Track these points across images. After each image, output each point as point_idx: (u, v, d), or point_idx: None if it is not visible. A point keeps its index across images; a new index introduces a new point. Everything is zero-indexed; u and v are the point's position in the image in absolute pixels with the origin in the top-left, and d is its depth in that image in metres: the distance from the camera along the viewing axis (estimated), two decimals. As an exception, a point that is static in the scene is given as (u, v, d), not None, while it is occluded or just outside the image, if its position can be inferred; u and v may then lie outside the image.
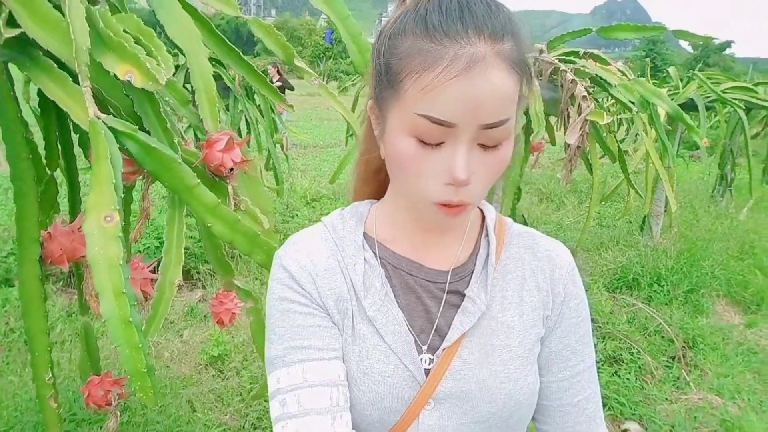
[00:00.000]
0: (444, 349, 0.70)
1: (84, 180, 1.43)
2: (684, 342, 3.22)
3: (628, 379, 2.87)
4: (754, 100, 4.15)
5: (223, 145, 1.06)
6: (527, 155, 2.58)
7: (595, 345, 1.45)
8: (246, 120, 3.54)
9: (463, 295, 0.72)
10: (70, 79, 0.91)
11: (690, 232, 4.78)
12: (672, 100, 2.88)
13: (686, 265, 4.02)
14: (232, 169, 1.07)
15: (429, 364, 0.70)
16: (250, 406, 2.56)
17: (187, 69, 1.11)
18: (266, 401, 0.69)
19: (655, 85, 3.39)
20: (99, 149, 0.84)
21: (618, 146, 3.07)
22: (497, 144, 0.61)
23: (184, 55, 1.10)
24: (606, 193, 4.98)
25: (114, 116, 0.94)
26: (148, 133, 1.00)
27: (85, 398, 1.17)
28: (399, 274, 0.73)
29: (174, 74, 0.99)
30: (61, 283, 3.63)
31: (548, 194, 6.86)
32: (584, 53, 2.52)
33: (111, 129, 0.88)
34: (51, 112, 1.22)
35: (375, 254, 0.73)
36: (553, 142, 3.02)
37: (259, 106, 3.55)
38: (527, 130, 2.38)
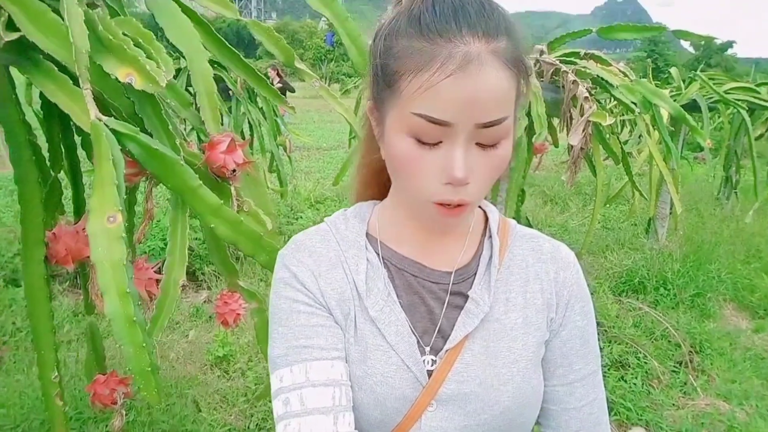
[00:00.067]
0: (447, 351, 0.70)
1: (88, 182, 1.44)
2: (691, 347, 3.19)
3: (634, 383, 2.85)
4: (757, 101, 4.13)
5: (225, 146, 1.06)
6: (530, 157, 2.58)
7: (601, 349, 1.45)
8: (249, 122, 3.55)
9: (466, 297, 0.72)
10: (71, 81, 0.92)
11: (696, 235, 4.74)
12: (674, 101, 2.87)
13: (692, 268, 4.00)
14: (234, 171, 1.07)
15: (432, 365, 0.70)
16: (255, 406, 2.56)
17: (189, 72, 1.12)
18: (270, 402, 0.70)
19: (657, 86, 3.39)
20: (101, 151, 0.84)
21: (621, 148, 3.05)
22: (496, 143, 0.61)
23: (184, 58, 1.10)
24: (610, 195, 4.96)
25: (116, 118, 0.94)
26: (150, 135, 1.00)
27: (90, 397, 1.18)
28: (402, 274, 0.73)
29: (176, 77, 1.00)
30: (68, 283, 3.64)
31: (552, 196, 6.83)
32: (585, 54, 2.52)
33: (113, 131, 0.88)
34: (54, 115, 1.23)
35: (378, 254, 0.73)
36: (556, 144, 3.01)
37: (262, 108, 3.56)
38: (530, 131, 2.37)
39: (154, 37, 0.99)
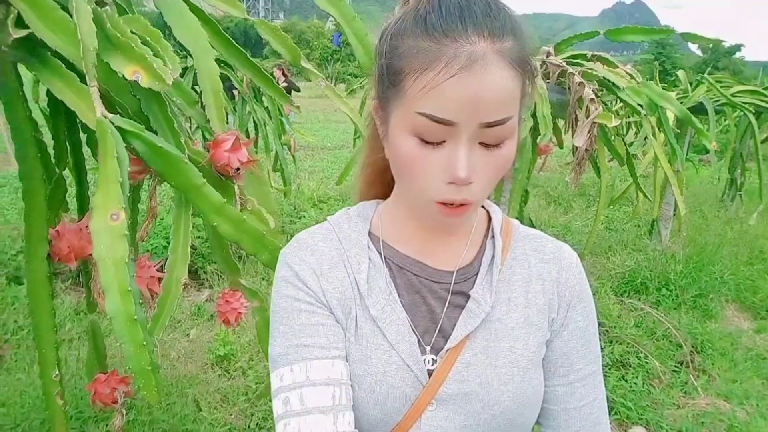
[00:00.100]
0: (448, 350, 0.70)
1: (92, 179, 1.45)
2: (692, 347, 3.19)
3: (635, 383, 2.85)
4: (764, 104, 4.12)
5: (229, 145, 1.06)
6: (535, 158, 2.58)
7: (603, 349, 1.45)
8: (254, 122, 3.56)
9: (468, 296, 0.72)
10: (78, 79, 0.92)
11: (699, 236, 4.74)
12: (681, 103, 2.86)
13: (695, 269, 4.00)
14: (238, 169, 1.07)
15: (432, 364, 0.70)
16: (256, 405, 2.57)
17: (195, 70, 1.12)
18: (271, 401, 0.70)
19: (664, 89, 3.37)
20: (106, 148, 0.84)
21: (626, 149, 3.05)
22: (499, 143, 0.61)
23: (191, 56, 1.11)
24: (614, 196, 4.96)
25: (121, 116, 0.95)
26: (156, 133, 1.00)
27: (91, 396, 1.18)
28: (403, 273, 0.73)
29: (182, 76, 1.00)
30: (70, 281, 3.66)
31: (556, 197, 6.83)
32: (592, 56, 2.52)
33: (118, 128, 0.88)
34: (60, 112, 1.23)
35: (380, 253, 0.73)
36: (560, 145, 3.01)
37: (267, 107, 3.57)
38: (534, 132, 2.37)
39: (162, 35, 0.99)
